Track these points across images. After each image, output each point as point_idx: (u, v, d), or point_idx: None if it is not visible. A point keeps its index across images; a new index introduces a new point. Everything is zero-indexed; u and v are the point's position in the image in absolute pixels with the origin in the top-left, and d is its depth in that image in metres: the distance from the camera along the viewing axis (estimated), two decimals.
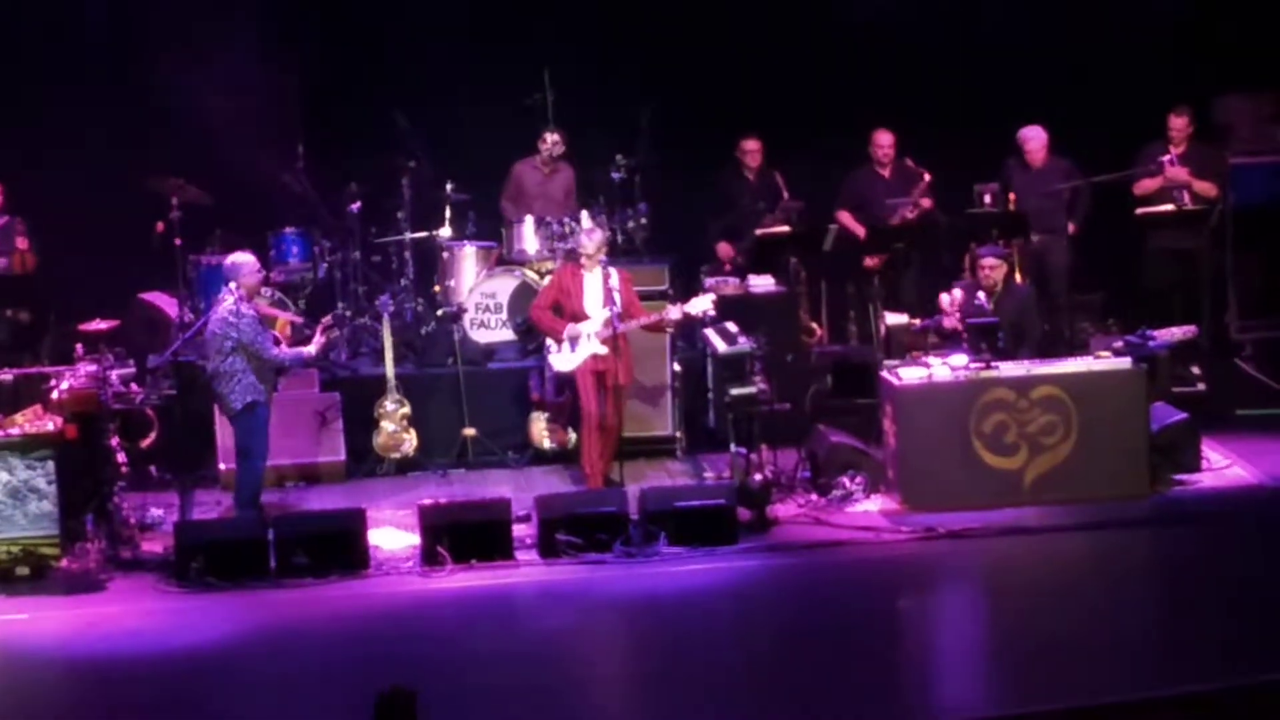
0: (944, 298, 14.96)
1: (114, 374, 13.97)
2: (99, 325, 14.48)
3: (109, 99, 17.06)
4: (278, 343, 13.97)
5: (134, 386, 14.42)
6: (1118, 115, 17.10)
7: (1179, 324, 15.27)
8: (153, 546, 13.67)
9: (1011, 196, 16.60)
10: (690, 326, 15.23)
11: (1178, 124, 16.61)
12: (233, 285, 13.84)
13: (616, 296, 14.27)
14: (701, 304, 14.50)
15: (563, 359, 14.49)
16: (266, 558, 13.15)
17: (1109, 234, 16.91)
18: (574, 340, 14.39)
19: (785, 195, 16.97)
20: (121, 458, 13.91)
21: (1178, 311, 16.06)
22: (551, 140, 16.71)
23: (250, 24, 17.20)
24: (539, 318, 14.61)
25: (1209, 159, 16.78)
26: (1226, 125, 17.67)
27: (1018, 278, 15.60)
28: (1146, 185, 16.65)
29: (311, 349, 13.90)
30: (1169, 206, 16.58)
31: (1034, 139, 16.61)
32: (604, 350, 14.30)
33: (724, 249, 17.06)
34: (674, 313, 14.51)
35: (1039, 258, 16.53)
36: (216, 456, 15.17)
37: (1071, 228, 16.60)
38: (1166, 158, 16.55)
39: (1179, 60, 17.50)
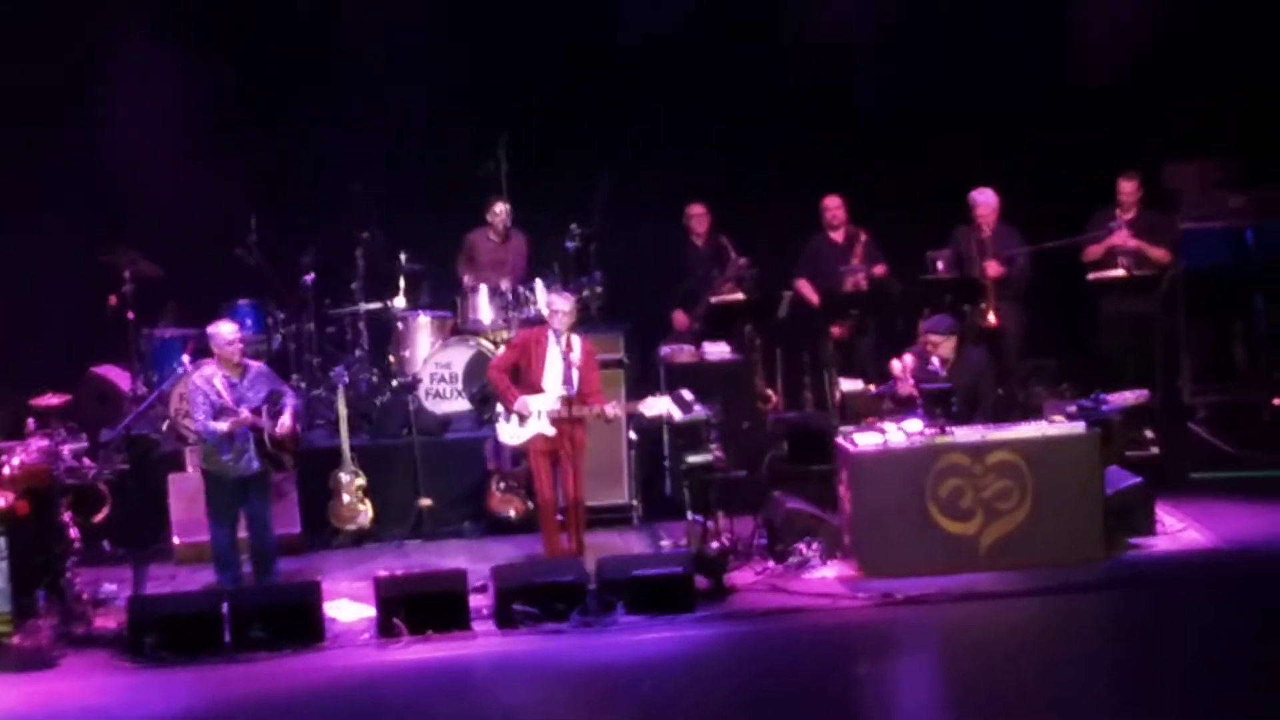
0: (895, 364, 15.00)
1: (66, 448, 13.92)
2: (51, 399, 14.47)
3: (61, 171, 17.06)
4: (226, 415, 13.78)
5: (86, 461, 14.33)
6: (1067, 181, 17.21)
7: (1131, 388, 15.33)
8: (106, 622, 13.56)
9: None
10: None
11: (1127, 188, 16.70)
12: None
13: (575, 376, 14.07)
14: (656, 406, 14.21)
15: (510, 431, 14.27)
16: (221, 631, 13.05)
17: (1061, 299, 16.99)
18: (523, 416, 14.20)
19: (733, 256, 16.99)
20: (74, 533, 13.82)
21: (1130, 376, 16.12)
22: (501, 210, 16.73)
23: (203, 95, 17.23)
24: (495, 378, 14.38)
25: (1159, 225, 16.86)
26: (1175, 191, 17.77)
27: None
28: (1095, 251, 16.72)
29: (223, 425, 13.75)
30: (1120, 272, 16.66)
31: (985, 202, 16.66)
32: (553, 432, 14.12)
33: (679, 319, 17.09)
34: (612, 410, 14.23)
35: (980, 318, 16.58)
36: (170, 530, 15.09)
37: (995, 268, 16.54)
38: (1116, 223, 16.63)
39: (1128, 126, 17.62)
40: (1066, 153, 17.47)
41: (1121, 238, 16.60)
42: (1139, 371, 16.32)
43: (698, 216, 17.25)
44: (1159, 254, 16.70)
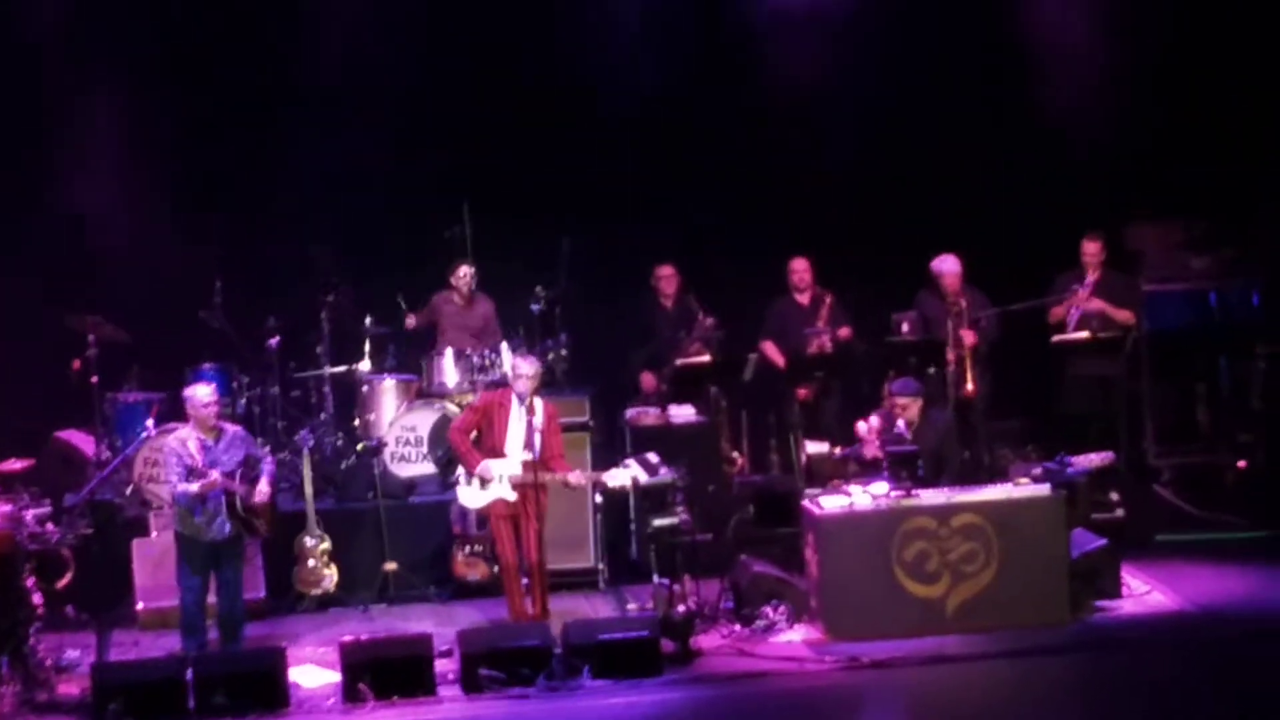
0: (861, 426, 15.01)
1: (30, 514, 13.86)
2: (14, 465, 14.41)
3: (24, 236, 17.01)
4: (197, 477, 13.72)
5: (50, 526, 14.27)
6: (1031, 243, 17.26)
7: (1096, 450, 15.37)
8: (69, 689, 13.46)
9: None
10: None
11: (1091, 249, 16.77)
12: None
13: (537, 440, 14.06)
14: (620, 478, 14.25)
15: (471, 495, 14.27)
16: (185, 698, 12.96)
17: (1024, 361, 17.03)
18: (484, 480, 14.19)
19: (701, 317, 16.99)
20: (37, 598, 13.72)
21: (1094, 437, 16.15)
22: (465, 273, 16.75)
23: (167, 158, 17.22)
24: (456, 440, 14.35)
25: (1123, 287, 16.93)
26: (1138, 252, 17.87)
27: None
28: (1059, 313, 16.78)
29: (194, 488, 13.69)
30: (1084, 334, 16.71)
31: (949, 271, 16.69)
32: (514, 497, 14.10)
33: (647, 380, 17.10)
34: (575, 479, 14.27)
35: (956, 385, 16.60)
36: (134, 596, 15.02)
37: (970, 337, 16.59)
38: (1080, 286, 16.69)
39: (1091, 188, 17.71)
40: (1030, 214, 17.52)
41: (1085, 300, 16.66)
42: (1102, 433, 16.36)
43: (666, 278, 17.28)
44: (1123, 316, 16.78)
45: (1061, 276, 16.85)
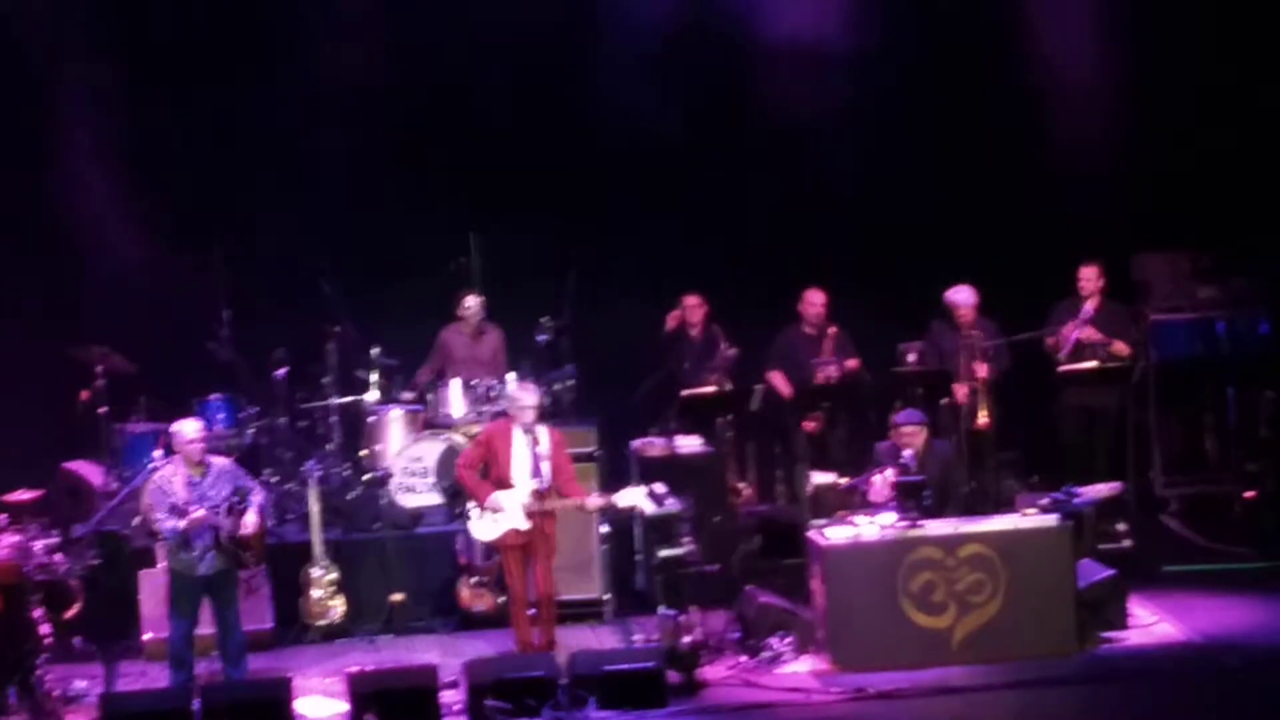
0: (876, 479, 14.68)
1: (37, 544, 13.89)
2: (22, 495, 14.45)
3: (31, 268, 17.06)
4: (180, 515, 13.71)
5: (58, 557, 14.29)
6: (1036, 272, 17.24)
7: (1103, 481, 15.34)
8: (77, 719, 13.47)
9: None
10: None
11: (1088, 274, 16.72)
12: None
13: (545, 467, 14.07)
14: (630, 498, 14.25)
15: (483, 528, 14.25)
16: None
17: (1028, 391, 17.01)
18: (496, 511, 14.18)
19: (723, 347, 16.93)
20: (45, 629, 13.75)
21: (1093, 468, 16.14)
22: (472, 304, 16.76)
23: (174, 189, 17.26)
24: (463, 476, 14.34)
25: (1120, 317, 16.90)
26: (1145, 282, 17.86)
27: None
28: (1053, 343, 16.74)
29: (181, 524, 13.68)
30: (1092, 364, 16.68)
31: (965, 302, 16.70)
32: (526, 525, 14.11)
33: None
34: (593, 502, 14.31)
35: (968, 418, 16.59)
36: (141, 627, 15.02)
37: (984, 371, 16.62)
38: (1080, 316, 16.65)
39: (1097, 217, 17.71)
40: (1036, 245, 17.52)
41: (1084, 330, 16.63)
42: (1099, 464, 16.34)
43: (692, 307, 17.17)
44: (1119, 347, 16.73)
45: (1060, 305, 16.85)
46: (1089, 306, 16.69)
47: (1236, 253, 17.82)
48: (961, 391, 16.50)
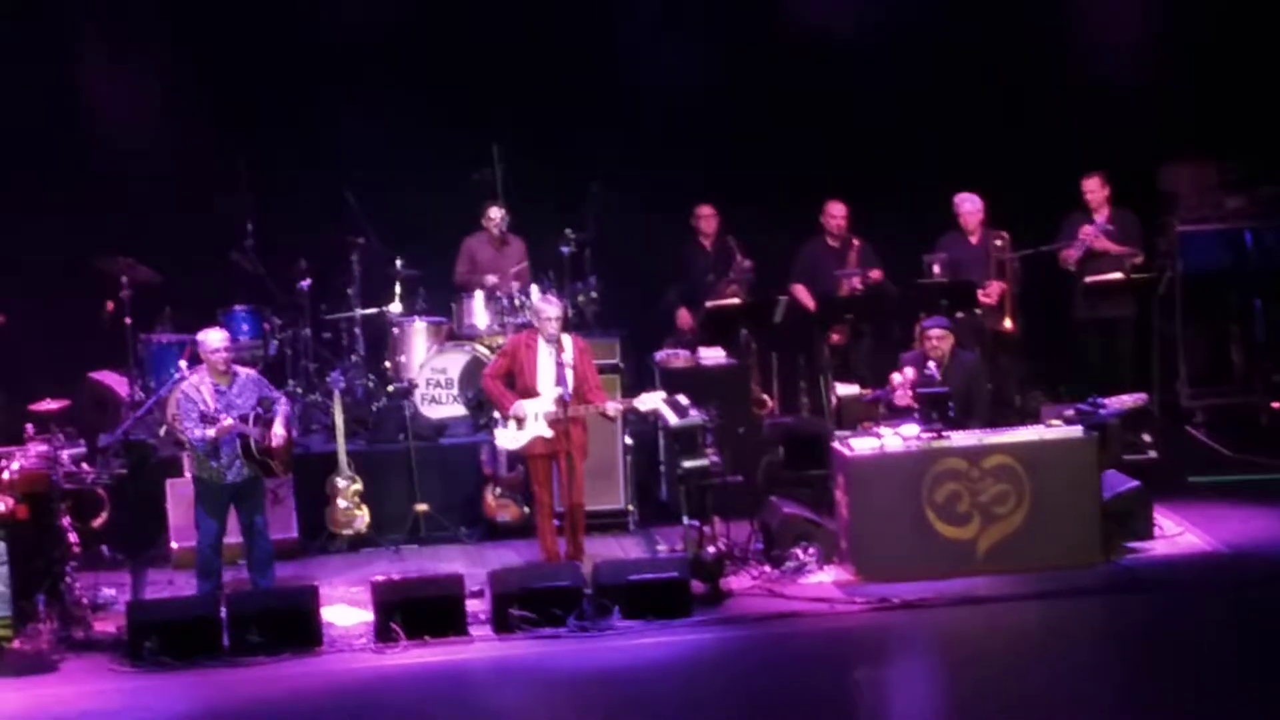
0: (895, 377, 14.84)
1: (65, 454, 13.92)
2: (49, 405, 14.47)
3: (57, 179, 17.09)
4: (210, 423, 13.76)
5: (85, 466, 14.35)
6: (1062, 184, 17.14)
7: (1129, 392, 15.33)
8: (105, 626, 13.57)
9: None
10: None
11: (1090, 185, 16.64)
12: None
13: (569, 375, 14.07)
14: (650, 402, 14.26)
15: (508, 437, 14.27)
16: (220, 636, 13.06)
17: (1045, 306, 16.97)
18: (520, 420, 14.20)
19: (738, 259, 16.95)
20: (73, 538, 13.82)
21: (1126, 379, 16.11)
22: (495, 214, 16.74)
23: (198, 102, 17.24)
24: (489, 386, 14.37)
25: (1130, 223, 16.80)
26: (1172, 193, 17.79)
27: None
28: (1070, 255, 16.69)
29: (211, 432, 13.71)
30: (1118, 275, 16.62)
31: (971, 210, 16.70)
32: (550, 434, 14.11)
33: (684, 317, 17.06)
34: (614, 407, 14.27)
35: (994, 321, 16.58)
36: (168, 535, 15.09)
37: (999, 287, 16.60)
38: (1090, 227, 16.58)
39: (1125, 128, 17.63)
40: (1064, 156, 17.43)
41: (1099, 241, 16.55)
42: (1123, 375, 16.32)
43: (706, 217, 17.20)
44: (1122, 251, 16.62)
45: (1069, 217, 16.77)
46: (1100, 218, 16.61)
47: (1265, 163, 17.73)
48: (996, 288, 16.48)
